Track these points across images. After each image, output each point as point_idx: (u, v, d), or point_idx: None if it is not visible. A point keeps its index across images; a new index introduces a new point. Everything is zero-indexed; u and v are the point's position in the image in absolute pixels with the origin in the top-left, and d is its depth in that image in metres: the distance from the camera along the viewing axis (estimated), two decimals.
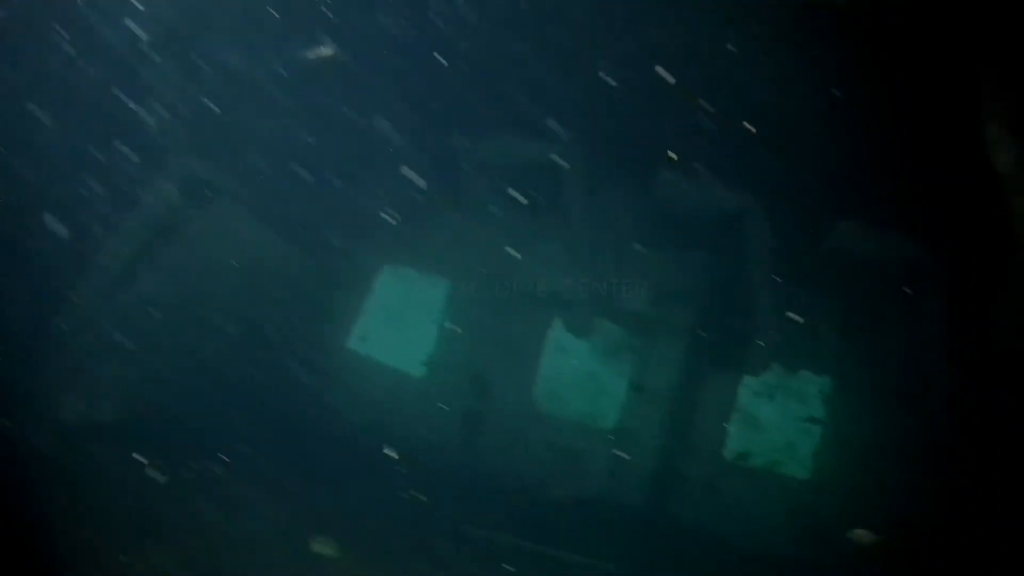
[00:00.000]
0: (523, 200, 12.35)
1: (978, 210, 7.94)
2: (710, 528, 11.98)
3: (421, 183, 12.19)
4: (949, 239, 10.18)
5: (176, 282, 11.10)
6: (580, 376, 13.52)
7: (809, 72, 9.54)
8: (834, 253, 11.57)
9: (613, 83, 10.33)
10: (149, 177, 10.60)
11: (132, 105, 9.92)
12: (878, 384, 11.90)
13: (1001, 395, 10.16)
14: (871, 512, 11.60)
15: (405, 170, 12.10)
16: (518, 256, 12.63)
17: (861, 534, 10.10)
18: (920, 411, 11.56)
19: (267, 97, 11.26)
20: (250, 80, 10.98)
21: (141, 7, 9.60)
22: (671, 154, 10.90)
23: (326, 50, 11.14)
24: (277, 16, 10.45)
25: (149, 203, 10.72)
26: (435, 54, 10.83)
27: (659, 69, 9.29)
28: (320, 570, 8.69)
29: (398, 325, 14.53)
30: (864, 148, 9.91)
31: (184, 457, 9.69)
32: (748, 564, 11.39)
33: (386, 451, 11.30)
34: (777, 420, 12.65)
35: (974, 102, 7.29)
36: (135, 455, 9.07)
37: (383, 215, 13.00)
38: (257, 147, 11.73)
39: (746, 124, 9.87)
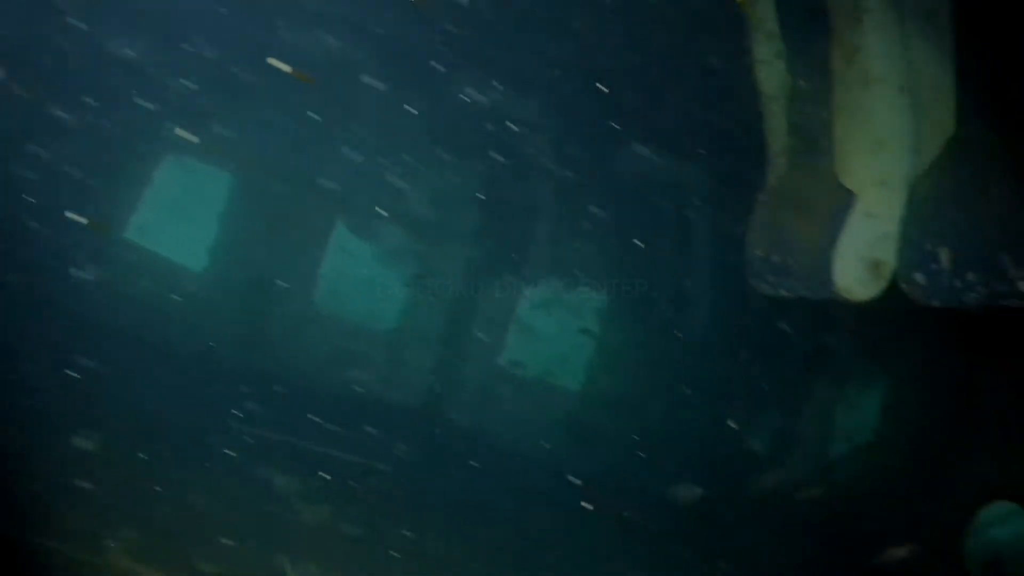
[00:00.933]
0: (312, 94, 12.08)
1: (743, 129, 8.41)
2: (483, 432, 12.36)
3: (205, 71, 11.74)
4: (719, 157, 10.75)
5: None
6: (361, 278, 13.45)
7: None
8: (611, 169, 11.98)
9: None
10: None
11: None
12: (650, 299, 12.51)
13: (761, 309, 10.96)
14: (636, 421, 12.32)
15: (187, 55, 11.61)
16: (304, 153, 12.39)
17: None
18: (689, 325, 12.28)
19: None
20: None
21: None
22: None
23: None
24: None
25: None
26: None
27: None
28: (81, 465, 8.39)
29: (178, 217, 14.01)
30: (638, 67, 10.27)
31: None
32: (516, 465, 11.85)
33: None
34: (552, 332, 13.08)
35: (742, 23, 7.68)
36: None
37: (165, 103, 12.43)
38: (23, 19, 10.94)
39: (530, 37, 10.01)
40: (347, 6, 11.45)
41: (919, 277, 6.44)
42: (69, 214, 11.70)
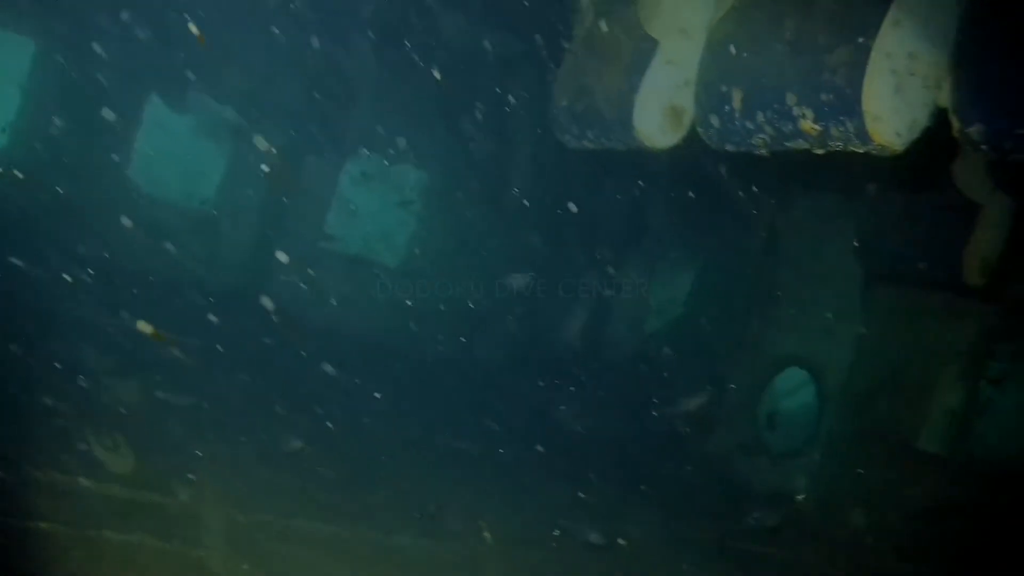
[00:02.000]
0: None
1: None
2: (301, 310, 12.02)
3: None
4: (531, 15, 10.53)
5: None
6: (177, 154, 12.76)
7: None
8: (430, 39, 11.61)
9: None
10: None
11: None
12: (470, 176, 12.36)
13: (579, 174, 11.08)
14: (456, 297, 12.24)
15: None
16: (114, 24, 11.54)
17: None
18: (507, 203, 12.23)
19: None
20: None
21: None
22: None
23: None
24: None
25: None
26: None
27: None
28: None
29: None
30: None
31: None
32: (338, 344, 11.62)
33: None
34: (373, 207, 12.78)
35: None
36: None
37: None
38: None
39: None
40: None
41: (714, 120, 6.51)
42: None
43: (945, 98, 5.57)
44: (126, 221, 12.10)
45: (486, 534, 8.01)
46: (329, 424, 10.07)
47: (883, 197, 8.94)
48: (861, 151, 5.81)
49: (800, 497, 10.32)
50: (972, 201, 8.17)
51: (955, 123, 5.45)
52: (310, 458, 9.13)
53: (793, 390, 10.82)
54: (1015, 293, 9.00)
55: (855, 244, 9.37)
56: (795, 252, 10.99)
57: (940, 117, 5.67)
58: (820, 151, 6.07)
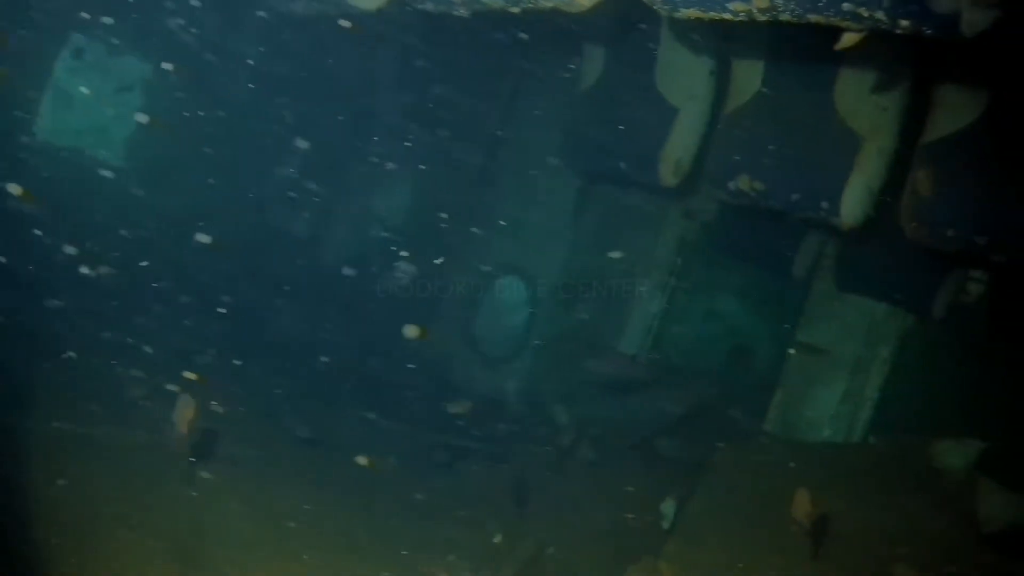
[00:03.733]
0: None
1: None
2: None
3: None
4: None
5: None
6: None
7: None
8: None
9: None
10: None
11: None
12: (190, 57, 11.37)
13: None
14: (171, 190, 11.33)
15: None
16: None
17: None
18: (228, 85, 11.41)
19: None
20: None
21: None
22: None
23: None
24: None
25: None
26: None
27: None
28: None
29: None
30: None
31: None
32: (49, 234, 10.46)
33: None
34: (91, 99, 11.50)
35: None
36: None
37: None
38: None
39: None
40: None
41: None
42: None
43: None
44: None
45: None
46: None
47: (592, 96, 8.86)
48: (551, 5, 5.63)
49: (509, 396, 10.31)
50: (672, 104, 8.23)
51: None
52: None
53: (506, 296, 10.71)
54: (704, 203, 9.24)
55: (568, 142, 9.23)
56: (511, 150, 10.89)
57: None
58: (515, 9, 5.85)
